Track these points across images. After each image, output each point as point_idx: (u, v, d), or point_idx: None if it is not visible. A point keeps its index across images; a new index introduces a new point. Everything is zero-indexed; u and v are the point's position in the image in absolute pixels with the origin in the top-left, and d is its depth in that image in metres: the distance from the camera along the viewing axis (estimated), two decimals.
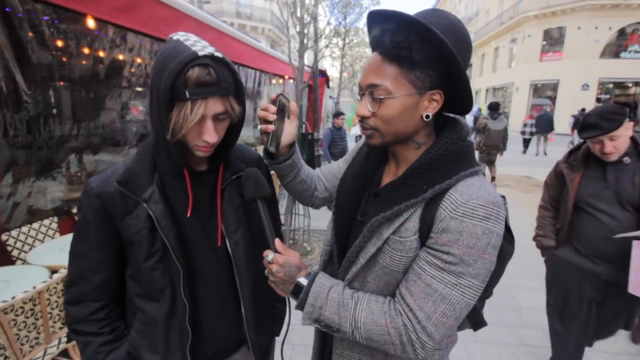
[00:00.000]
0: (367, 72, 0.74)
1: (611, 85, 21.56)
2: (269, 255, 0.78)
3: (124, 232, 0.79)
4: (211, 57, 0.71)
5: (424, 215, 0.72)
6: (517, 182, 7.81)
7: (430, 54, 0.68)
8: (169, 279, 0.81)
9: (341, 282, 0.81)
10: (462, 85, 0.71)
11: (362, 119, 0.77)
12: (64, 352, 1.92)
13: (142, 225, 0.78)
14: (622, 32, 19.87)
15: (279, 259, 0.77)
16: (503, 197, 0.76)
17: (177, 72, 0.67)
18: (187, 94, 0.68)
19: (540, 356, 2.36)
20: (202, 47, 0.71)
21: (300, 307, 0.77)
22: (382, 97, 0.71)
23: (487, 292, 0.89)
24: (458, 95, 0.73)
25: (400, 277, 0.76)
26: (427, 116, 0.73)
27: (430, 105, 0.73)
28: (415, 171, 0.75)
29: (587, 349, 2.41)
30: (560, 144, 14.79)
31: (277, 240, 0.81)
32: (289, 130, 0.94)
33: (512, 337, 2.54)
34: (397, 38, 0.68)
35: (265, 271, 0.79)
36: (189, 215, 0.82)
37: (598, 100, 20.52)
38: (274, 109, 0.90)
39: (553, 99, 21.48)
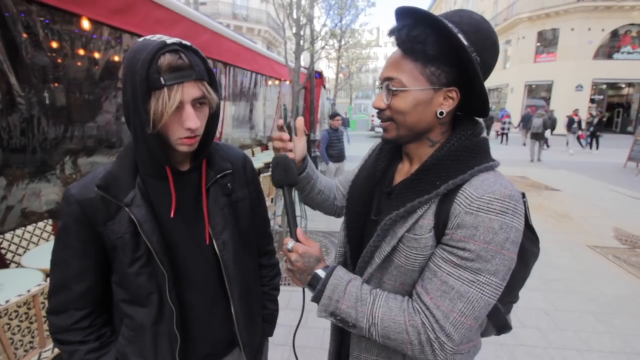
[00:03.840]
0: (386, 66, 0.76)
1: (604, 86, 21.77)
2: (289, 243, 0.78)
3: (107, 238, 0.77)
4: (179, 44, 0.72)
5: (438, 212, 0.71)
6: (513, 182, 7.84)
7: (446, 49, 0.69)
8: (155, 284, 0.79)
9: (359, 277, 0.79)
10: (476, 85, 0.70)
11: (379, 112, 0.78)
12: (59, 356, 1.90)
13: (125, 230, 0.76)
14: (614, 34, 20.08)
15: (299, 248, 0.77)
16: (523, 193, 0.74)
17: (149, 61, 0.67)
18: (162, 80, 0.68)
19: (537, 356, 2.36)
20: (169, 37, 0.72)
21: (316, 298, 0.76)
22: (395, 89, 0.72)
23: (512, 296, 0.87)
24: (474, 96, 0.73)
25: (417, 277, 0.74)
26: (442, 113, 0.73)
27: (446, 103, 0.73)
28: (428, 167, 0.74)
29: (583, 348, 2.43)
30: (554, 143, 14.90)
31: (298, 230, 0.81)
32: (299, 145, 0.95)
33: (509, 337, 2.54)
34: (413, 32, 0.69)
35: (284, 259, 0.79)
36: (172, 215, 0.81)
37: (592, 100, 20.71)
38: (287, 135, 0.91)
39: (547, 100, 21.64)
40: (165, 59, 0.69)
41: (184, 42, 0.73)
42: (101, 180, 0.76)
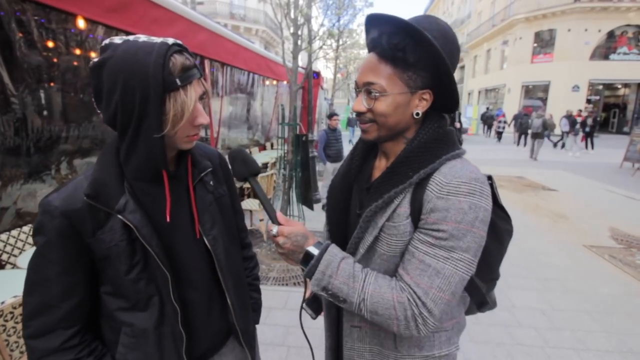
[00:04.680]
0: (364, 71, 0.80)
1: (601, 87, 21.91)
2: (273, 229, 0.81)
3: (97, 248, 0.74)
4: (176, 44, 0.73)
5: (413, 200, 0.77)
6: (510, 183, 7.88)
7: (422, 56, 0.75)
8: (155, 287, 0.78)
9: (351, 256, 0.83)
10: (450, 85, 0.78)
11: (359, 114, 0.82)
12: None
13: (119, 237, 0.74)
14: (611, 35, 20.21)
15: (283, 230, 0.81)
16: (489, 177, 0.82)
17: (162, 64, 0.68)
18: (177, 81, 0.70)
19: (534, 355, 2.37)
20: (163, 38, 0.72)
21: (310, 273, 0.79)
22: (377, 94, 0.77)
23: (493, 273, 0.93)
24: (446, 95, 0.80)
25: (399, 262, 0.80)
26: (417, 114, 0.80)
27: (420, 104, 0.80)
28: (402, 160, 0.80)
29: (579, 347, 2.44)
30: (551, 143, 14.97)
31: (279, 213, 0.84)
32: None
33: (506, 337, 2.55)
34: (394, 40, 0.74)
35: (273, 246, 0.80)
36: (168, 219, 0.80)
37: (588, 101, 20.82)
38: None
39: (544, 100, 21.74)
40: (177, 60, 0.70)
41: (177, 41, 0.74)
42: (90, 189, 0.73)
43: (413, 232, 0.77)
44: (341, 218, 0.94)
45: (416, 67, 0.76)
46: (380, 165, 0.90)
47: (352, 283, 0.76)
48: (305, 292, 1.08)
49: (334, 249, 0.81)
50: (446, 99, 0.81)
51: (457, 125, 6.27)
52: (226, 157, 0.98)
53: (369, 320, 0.78)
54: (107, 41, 0.72)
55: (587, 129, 12.79)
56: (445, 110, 0.85)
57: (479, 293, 0.91)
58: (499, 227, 0.86)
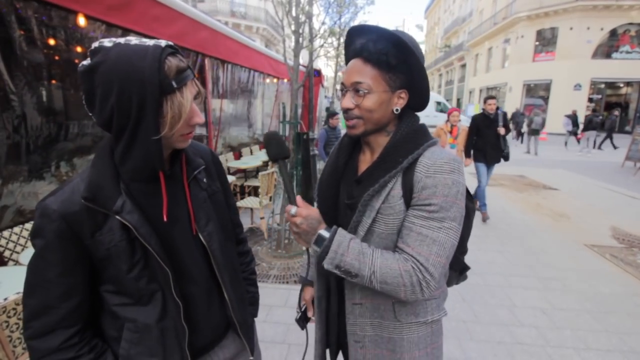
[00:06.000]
0: (351, 73, 0.91)
1: (603, 86, 21.81)
2: (292, 209, 0.89)
3: (96, 249, 0.75)
4: (169, 46, 0.74)
5: (404, 182, 0.89)
6: (511, 182, 7.87)
7: (400, 60, 0.88)
8: (157, 283, 0.80)
9: (357, 237, 0.92)
10: (423, 85, 0.91)
11: (347, 111, 0.93)
12: None
13: (119, 238, 0.75)
14: (613, 33, 20.11)
15: (302, 211, 0.89)
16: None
17: (157, 68, 0.68)
18: (174, 84, 0.71)
19: (534, 354, 2.38)
20: (155, 41, 0.73)
21: (323, 253, 0.87)
22: (365, 91, 0.89)
23: (464, 247, 1.11)
24: (418, 94, 0.94)
25: (396, 239, 0.91)
26: (397, 110, 0.93)
27: (399, 102, 0.93)
28: (390, 150, 0.93)
29: (580, 346, 2.45)
30: (553, 142, 14.95)
31: (298, 197, 0.92)
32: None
33: (507, 336, 2.55)
34: (379, 46, 0.87)
35: (287, 224, 0.84)
36: (165, 219, 0.81)
37: (590, 100, 20.75)
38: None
39: (546, 99, 21.68)
40: (172, 63, 0.71)
41: (169, 42, 0.75)
42: (87, 192, 0.73)
43: (406, 210, 0.89)
44: (331, 212, 1.03)
45: (396, 69, 0.88)
46: (366, 159, 1.01)
47: (363, 258, 0.86)
48: (301, 291, 1.13)
49: (342, 231, 0.90)
50: (418, 98, 0.95)
51: (502, 131, 4.80)
52: (263, 138, 1.02)
53: (377, 290, 0.88)
54: (96, 44, 0.71)
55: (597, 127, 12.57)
56: (416, 109, 0.98)
57: (458, 261, 1.11)
58: (467, 205, 0.99)
